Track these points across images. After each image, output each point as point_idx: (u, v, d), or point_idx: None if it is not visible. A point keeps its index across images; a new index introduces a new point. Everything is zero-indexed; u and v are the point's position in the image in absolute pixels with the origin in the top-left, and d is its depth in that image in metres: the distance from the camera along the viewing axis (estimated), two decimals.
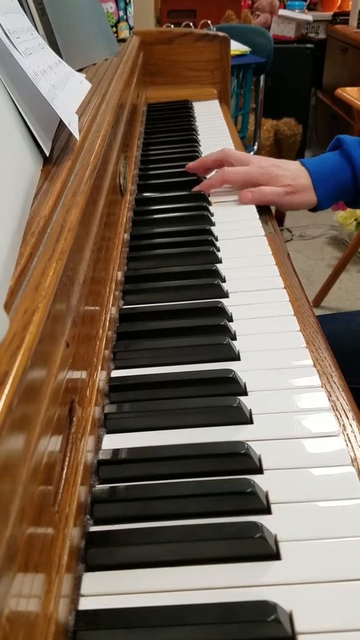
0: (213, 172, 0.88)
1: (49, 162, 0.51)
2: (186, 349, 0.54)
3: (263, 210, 0.80)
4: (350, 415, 0.46)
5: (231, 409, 0.46)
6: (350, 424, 0.45)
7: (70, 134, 0.56)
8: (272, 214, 0.81)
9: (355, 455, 0.42)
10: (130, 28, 1.30)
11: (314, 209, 0.82)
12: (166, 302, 0.62)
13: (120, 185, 0.72)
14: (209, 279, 0.64)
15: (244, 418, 0.46)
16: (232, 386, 0.49)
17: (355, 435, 0.44)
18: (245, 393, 0.49)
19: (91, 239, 0.50)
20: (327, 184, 0.78)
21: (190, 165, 0.88)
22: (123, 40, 1.25)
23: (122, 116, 0.81)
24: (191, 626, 0.32)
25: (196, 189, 0.83)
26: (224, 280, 0.64)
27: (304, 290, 0.63)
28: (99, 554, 0.37)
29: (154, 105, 1.33)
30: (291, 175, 0.79)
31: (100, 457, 0.43)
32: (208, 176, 0.87)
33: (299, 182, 0.78)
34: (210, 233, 0.74)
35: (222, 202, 0.82)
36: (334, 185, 0.78)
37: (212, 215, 0.79)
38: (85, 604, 0.34)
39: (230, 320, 0.58)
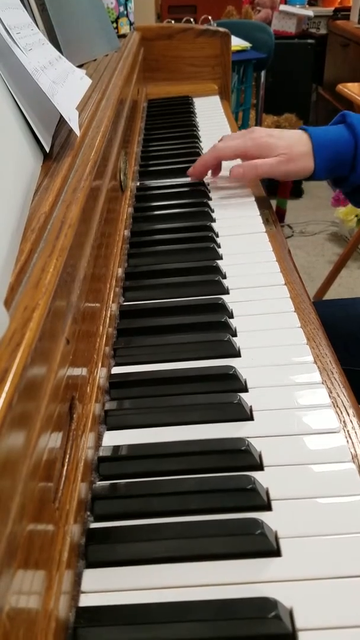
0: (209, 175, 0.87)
1: (49, 158, 0.51)
2: (187, 345, 0.54)
3: (264, 206, 0.80)
4: (350, 411, 0.46)
5: (232, 405, 0.46)
6: (351, 421, 0.45)
7: (71, 130, 0.55)
8: (273, 210, 0.81)
9: (355, 451, 0.42)
10: (131, 24, 1.30)
11: (308, 178, 0.80)
12: (166, 298, 0.62)
13: (120, 181, 0.72)
14: (210, 276, 0.64)
15: (245, 415, 0.46)
16: (233, 383, 0.49)
17: (355, 432, 0.44)
18: (245, 390, 0.48)
19: (91, 235, 0.49)
20: (326, 152, 0.76)
21: (191, 171, 0.85)
22: (123, 36, 1.25)
23: (123, 112, 0.81)
24: (192, 623, 0.32)
25: (190, 171, 0.81)
26: (224, 277, 0.64)
27: (304, 286, 0.63)
28: (99, 550, 0.37)
29: (154, 101, 1.33)
30: (286, 143, 0.77)
31: (101, 453, 0.43)
32: (208, 175, 0.87)
33: (295, 150, 0.76)
34: (211, 229, 0.73)
35: (223, 198, 0.82)
36: (334, 154, 0.76)
37: (213, 211, 0.79)
38: (85, 601, 0.34)
39: (231, 316, 0.58)
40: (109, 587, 0.35)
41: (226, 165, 0.84)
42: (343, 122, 0.78)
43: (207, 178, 0.87)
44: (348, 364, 0.54)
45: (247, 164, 0.79)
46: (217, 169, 0.86)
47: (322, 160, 0.76)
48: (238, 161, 0.82)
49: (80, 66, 0.84)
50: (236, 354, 0.53)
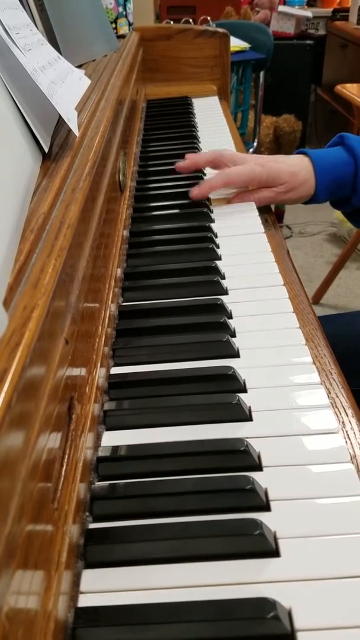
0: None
1: (48, 159, 0.51)
2: (185, 346, 0.54)
3: (262, 207, 0.80)
4: (349, 412, 0.46)
5: (231, 406, 0.46)
6: (350, 421, 0.45)
7: (70, 130, 0.55)
8: (271, 211, 0.81)
9: (354, 452, 0.42)
10: (130, 24, 1.30)
11: (308, 202, 0.80)
12: (165, 299, 0.62)
13: (119, 181, 0.72)
14: (209, 276, 0.64)
15: (244, 415, 0.46)
16: (232, 383, 0.49)
17: (354, 433, 0.44)
18: (244, 390, 0.48)
19: (90, 235, 0.49)
20: (327, 176, 0.77)
21: (181, 164, 0.86)
22: (122, 37, 1.25)
23: (122, 112, 0.81)
24: (190, 623, 0.32)
25: (196, 193, 0.80)
26: (223, 277, 0.64)
27: (303, 287, 0.63)
28: (98, 551, 0.37)
29: (153, 102, 1.33)
30: (290, 169, 0.77)
31: (100, 454, 0.43)
32: (206, 177, 0.86)
33: (299, 177, 0.77)
34: (210, 230, 0.73)
35: (222, 199, 0.82)
36: (335, 178, 0.77)
37: (212, 212, 0.79)
38: (84, 601, 0.34)
39: (230, 317, 0.58)
40: (107, 587, 0.35)
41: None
42: (341, 143, 0.79)
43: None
44: (355, 384, 0.54)
45: (243, 197, 0.80)
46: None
47: (323, 184, 0.77)
48: None
49: (79, 66, 0.84)
50: (235, 354, 0.53)
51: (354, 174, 0.76)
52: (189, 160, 0.86)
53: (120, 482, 0.41)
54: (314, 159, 0.77)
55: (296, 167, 0.77)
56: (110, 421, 0.47)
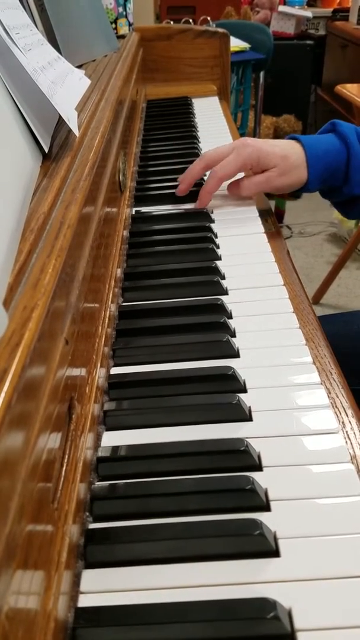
0: None
1: (48, 159, 0.51)
2: (185, 346, 0.54)
3: (262, 207, 0.80)
4: (349, 412, 0.46)
5: (231, 406, 0.46)
6: (350, 421, 0.45)
7: (70, 131, 0.55)
8: (271, 210, 0.81)
9: (354, 452, 0.42)
10: (130, 24, 1.30)
11: (300, 190, 0.78)
12: (165, 299, 0.62)
13: (119, 181, 0.72)
14: (209, 276, 0.64)
15: (244, 415, 0.46)
16: (232, 383, 0.49)
17: (354, 433, 0.44)
18: (244, 390, 0.48)
19: (90, 235, 0.49)
20: (320, 162, 0.75)
21: (181, 189, 0.82)
22: (122, 37, 1.25)
23: (122, 113, 0.81)
24: (191, 623, 0.32)
25: (198, 205, 0.79)
26: (223, 278, 0.64)
27: (303, 287, 0.63)
28: (98, 551, 0.37)
29: (153, 102, 1.33)
30: (280, 152, 0.75)
31: (100, 454, 0.43)
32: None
33: (290, 161, 0.75)
34: (210, 230, 0.73)
35: (222, 198, 0.82)
36: (327, 164, 0.75)
37: (212, 212, 0.79)
38: (84, 601, 0.34)
39: (230, 317, 0.58)
40: (108, 587, 0.35)
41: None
42: (333, 130, 0.77)
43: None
44: (354, 383, 0.54)
45: (237, 185, 0.79)
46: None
47: (315, 171, 0.75)
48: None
49: (79, 67, 0.84)
50: (235, 354, 0.53)
51: (346, 161, 0.75)
52: (184, 181, 0.82)
53: (120, 482, 0.41)
54: (306, 146, 0.75)
55: (287, 150, 0.75)
56: (110, 421, 0.47)
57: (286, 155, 0.75)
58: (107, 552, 0.37)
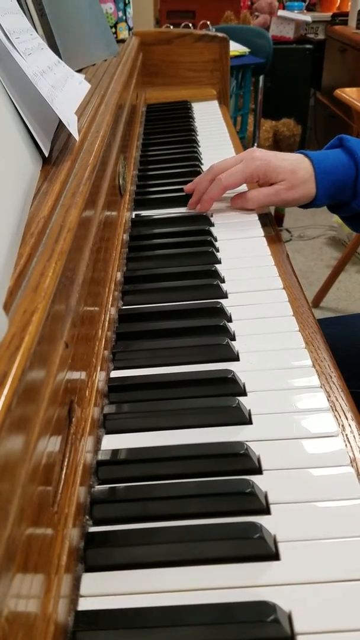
0: None
1: (48, 163, 0.51)
2: (185, 349, 0.54)
3: (262, 211, 0.80)
4: (349, 415, 0.46)
5: (230, 409, 0.46)
6: (350, 424, 0.45)
7: (70, 135, 0.56)
8: (271, 214, 0.81)
9: (354, 455, 0.42)
10: (130, 29, 1.30)
11: (308, 205, 0.78)
12: (165, 302, 0.62)
13: (119, 185, 0.72)
14: (208, 280, 0.64)
15: (243, 418, 0.46)
16: (232, 386, 0.49)
17: (354, 436, 0.44)
18: (244, 393, 0.49)
19: (90, 239, 0.50)
20: (328, 178, 0.75)
21: (200, 208, 0.80)
22: (122, 41, 1.25)
23: (121, 117, 0.81)
24: (190, 627, 0.32)
25: (199, 209, 0.79)
26: (223, 281, 0.64)
27: (303, 290, 0.63)
28: (98, 554, 0.37)
29: (153, 106, 1.33)
30: (290, 166, 0.75)
31: (100, 457, 0.43)
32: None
33: (298, 175, 0.74)
34: (210, 233, 0.74)
35: (222, 202, 0.82)
36: (335, 181, 0.75)
37: (211, 215, 0.79)
38: (84, 605, 0.34)
39: (230, 320, 0.58)
40: (107, 591, 0.35)
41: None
42: (340, 146, 0.77)
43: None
44: (353, 386, 0.54)
45: (245, 197, 0.78)
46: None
47: (324, 186, 0.75)
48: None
49: (79, 71, 0.85)
50: (235, 357, 0.53)
51: (355, 177, 0.74)
52: (196, 196, 0.81)
53: (120, 486, 0.41)
54: (314, 161, 0.75)
55: (296, 165, 0.75)
56: (110, 424, 0.47)
57: (295, 169, 0.75)
58: (107, 555, 0.37)
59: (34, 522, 0.29)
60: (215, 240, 0.73)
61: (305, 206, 0.79)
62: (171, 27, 1.52)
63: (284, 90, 3.21)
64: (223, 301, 0.60)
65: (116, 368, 0.53)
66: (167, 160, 1.00)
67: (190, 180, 0.84)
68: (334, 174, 0.75)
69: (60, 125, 0.57)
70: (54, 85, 0.57)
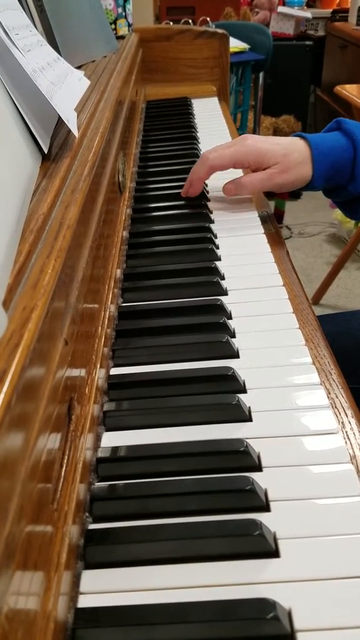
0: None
1: (48, 159, 0.51)
2: (185, 346, 0.54)
3: (262, 207, 0.80)
4: (349, 412, 0.46)
5: (230, 406, 0.46)
6: (349, 422, 0.45)
7: (69, 131, 0.56)
8: (271, 211, 0.81)
9: (354, 452, 0.42)
10: (129, 25, 1.30)
11: (305, 187, 0.76)
12: (165, 299, 0.62)
13: (119, 182, 0.72)
14: (208, 277, 0.64)
15: (243, 415, 0.46)
16: (231, 384, 0.49)
17: (354, 433, 0.44)
18: (244, 390, 0.48)
19: (90, 236, 0.49)
20: (326, 160, 0.73)
21: (187, 190, 0.81)
22: (122, 37, 1.25)
23: (121, 113, 0.81)
24: (190, 624, 0.32)
25: (191, 192, 0.78)
26: (223, 278, 0.64)
27: (303, 287, 0.63)
28: (97, 551, 0.37)
29: (152, 103, 1.33)
30: (282, 150, 0.73)
31: (99, 454, 0.43)
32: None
33: (292, 158, 0.73)
34: (209, 230, 0.73)
35: (221, 199, 0.82)
36: (333, 163, 0.73)
37: (211, 212, 0.79)
38: (84, 602, 0.34)
39: (230, 317, 0.58)
40: (107, 588, 0.35)
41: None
42: (338, 129, 0.76)
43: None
44: (353, 382, 0.53)
45: (238, 182, 0.77)
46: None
47: (320, 167, 0.73)
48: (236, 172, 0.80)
49: (78, 67, 0.85)
50: (235, 355, 0.53)
51: (353, 159, 0.73)
52: (194, 185, 0.80)
53: (120, 483, 0.41)
54: (312, 143, 0.73)
55: (289, 148, 0.74)
56: (109, 422, 0.47)
57: (287, 152, 0.73)
58: (107, 552, 0.37)
59: (33, 520, 0.29)
60: (215, 237, 0.73)
61: (301, 189, 0.77)
62: (171, 23, 1.51)
63: (284, 87, 3.20)
64: (223, 298, 0.60)
65: (116, 365, 0.53)
66: (167, 157, 1.00)
67: None
68: (331, 155, 0.73)
69: (60, 122, 0.57)
70: (54, 81, 0.56)
